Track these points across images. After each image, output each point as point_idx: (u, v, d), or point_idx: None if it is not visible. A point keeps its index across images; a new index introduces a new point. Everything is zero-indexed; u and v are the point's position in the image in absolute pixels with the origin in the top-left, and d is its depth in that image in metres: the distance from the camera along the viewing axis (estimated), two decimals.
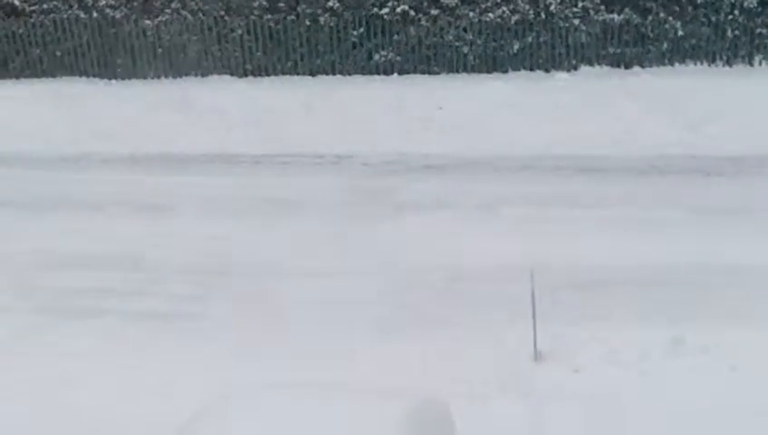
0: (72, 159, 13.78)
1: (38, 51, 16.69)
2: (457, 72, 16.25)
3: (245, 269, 10.46)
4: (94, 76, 16.65)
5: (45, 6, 16.39)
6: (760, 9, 15.56)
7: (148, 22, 16.27)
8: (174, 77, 16.50)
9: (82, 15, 16.33)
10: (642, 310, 9.13)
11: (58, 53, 16.63)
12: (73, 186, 13.03)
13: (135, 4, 16.24)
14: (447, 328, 9.01)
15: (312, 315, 9.34)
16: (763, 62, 15.83)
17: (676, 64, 15.96)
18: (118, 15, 16.26)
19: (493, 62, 16.14)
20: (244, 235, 11.28)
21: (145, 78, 16.54)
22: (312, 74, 16.36)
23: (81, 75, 16.69)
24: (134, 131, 14.40)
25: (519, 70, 16.15)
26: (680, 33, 15.75)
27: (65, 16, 16.39)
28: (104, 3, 16.20)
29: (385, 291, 9.85)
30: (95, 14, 16.28)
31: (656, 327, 8.70)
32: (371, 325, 9.13)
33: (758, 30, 15.68)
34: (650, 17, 15.72)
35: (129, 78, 16.57)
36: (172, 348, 8.95)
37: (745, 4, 15.52)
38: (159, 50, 16.43)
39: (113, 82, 16.53)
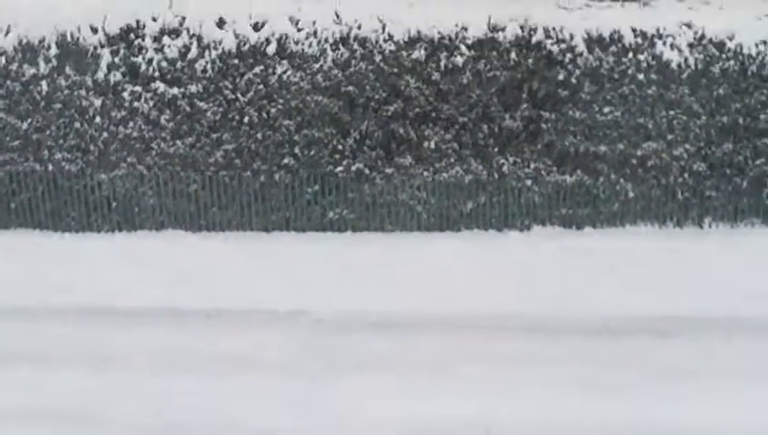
0: (22, 312, 13.60)
1: None
2: (411, 230, 16.34)
3: (199, 426, 10.32)
4: (48, 228, 16.54)
5: (1, 159, 16.38)
6: (709, 172, 15.87)
7: (103, 176, 16.28)
8: (128, 231, 16.45)
9: (38, 168, 16.34)
10: None
11: (12, 205, 16.57)
12: (23, 338, 12.86)
13: (91, 157, 16.27)
14: None
15: None
16: (713, 224, 16.07)
17: (627, 225, 16.15)
18: (73, 169, 16.28)
19: (446, 221, 16.26)
20: (196, 391, 11.15)
21: (99, 231, 16.46)
22: (267, 230, 16.38)
23: (34, 227, 16.57)
24: (86, 284, 14.27)
25: (472, 229, 16.26)
26: (631, 194, 16.00)
27: (20, 169, 16.38)
28: (60, 156, 16.23)
29: None
30: (50, 167, 16.29)
31: None
32: None
33: (707, 193, 15.97)
34: (601, 179, 15.96)
35: (83, 231, 16.47)
36: None
37: (695, 167, 15.84)
38: (114, 203, 16.41)
39: (66, 234, 16.43)
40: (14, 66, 16.10)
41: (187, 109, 16.14)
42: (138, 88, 16.14)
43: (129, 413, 10.60)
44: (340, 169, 16.08)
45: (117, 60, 16.09)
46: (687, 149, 15.89)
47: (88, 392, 11.12)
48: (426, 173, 16.08)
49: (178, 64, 16.13)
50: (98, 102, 16.14)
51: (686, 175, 15.94)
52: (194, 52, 16.03)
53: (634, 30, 15.81)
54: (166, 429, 10.28)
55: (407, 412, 10.42)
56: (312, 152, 16.09)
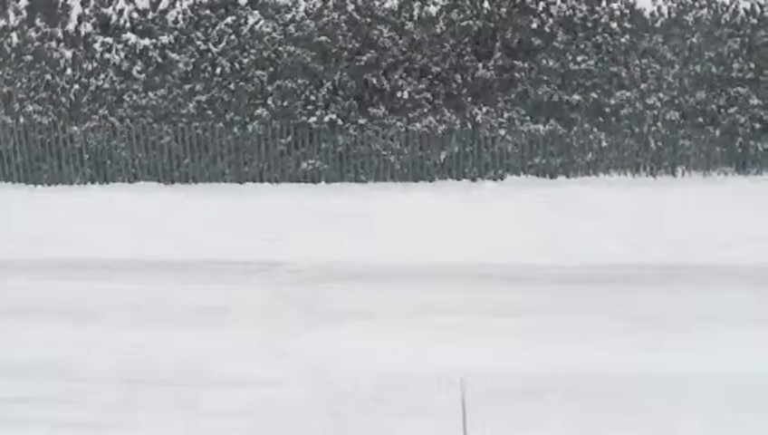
0: None
1: None
2: (384, 180, 16.36)
3: (172, 377, 10.30)
4: (20, 181, 16.52)
5: None
6: (682, 121, 15.91)
7: (75, 128, 16.20)
8: (101, 183, 16.42)
9: (9, 121, 16.23)
10: (574, 420, 9.11)
11: None
12: None
13: (62, 110, 16.18)
14: None
15: (241, 424, 9.21)
16: (686, 173, 16.12)
17: (601, 175, 16.21)
18: (45, 121, 16.19)
19: (420, 171, 16.27)
20: (170, 342, 11.11)
21: (71, 184, 16.43)
22: (240, 182, 16.37)
23: (6, 181, 16.55)
24: (60, 237, 14.21)
25: (445, 179, 16.30)
26: (604, 143, 16.03)
27: None
28: (31, 109, 16.12)
29: (313, 400, 9.74)
30: (22, 120, 16.18)
31: None
32: None
33: (680, 142, 16.01)
34: (575, 128, 15.99)
35: (56, 183, 16.44)
36: None
37: (668, 116, 15.87)
38: (86, 156, 16.35)
39: (39, 187, 16.40)
40: None
41: (159, 60, 16.07)
42: (109, 39, 16.07)
43: (104, 366, 10.56)
44: (313, 119, 16.04)
45: (87, 11, 16.02)
46: (661, 98, 15.92)
47: (61, 346, 11.07)
48: (399, 123, 16.07)
49: (150, 15, 16.05)
50: (69, 54, 16.08)
51: (659, 124, 15.98)
52: (165, 2, 15.96)
53: None
54: (140, 381, 10.25)
55: (380, 362, 10.41)
56: (286, 103, 16.03)
